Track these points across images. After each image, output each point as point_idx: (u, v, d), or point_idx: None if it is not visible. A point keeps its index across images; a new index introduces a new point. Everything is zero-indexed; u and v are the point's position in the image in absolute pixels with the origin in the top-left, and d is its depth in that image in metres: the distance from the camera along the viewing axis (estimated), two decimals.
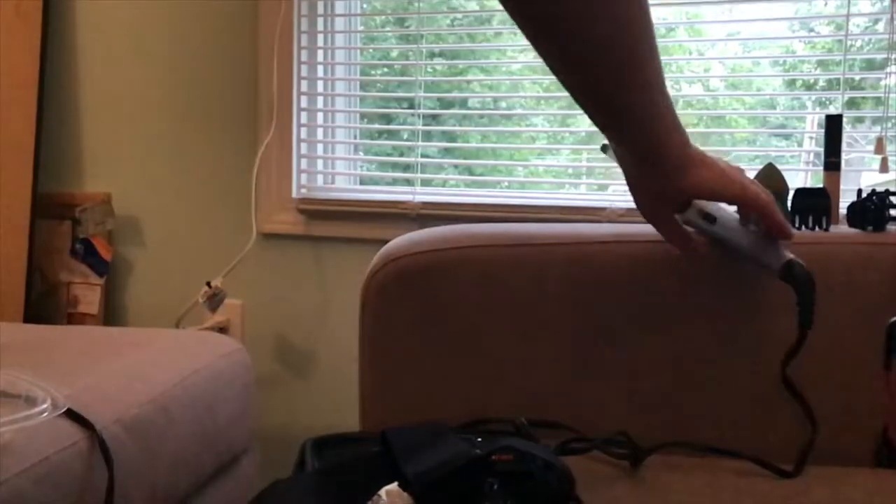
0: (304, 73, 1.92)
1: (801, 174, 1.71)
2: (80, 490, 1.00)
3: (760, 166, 1.17)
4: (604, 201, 1.70)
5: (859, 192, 1.17)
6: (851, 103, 1.68)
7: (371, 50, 2.11)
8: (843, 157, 1.32)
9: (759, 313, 1.03)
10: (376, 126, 2.06)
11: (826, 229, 1.13)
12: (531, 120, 2.04)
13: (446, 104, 2.01)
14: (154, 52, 2.00)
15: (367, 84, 2.05)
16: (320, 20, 1.94)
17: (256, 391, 1.49)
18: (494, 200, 1.83)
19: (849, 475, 0.93)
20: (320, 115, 1.96)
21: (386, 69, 2.10)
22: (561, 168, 1.99)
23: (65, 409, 0.97)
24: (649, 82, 0.83)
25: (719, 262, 1.04)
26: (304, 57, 1.92)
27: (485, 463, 0.70)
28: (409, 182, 1.90)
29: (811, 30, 1.89)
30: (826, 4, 1.73)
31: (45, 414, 0.93)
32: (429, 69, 1.95)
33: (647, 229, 1.01)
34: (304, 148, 1.94)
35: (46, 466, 0.95)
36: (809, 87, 1.93)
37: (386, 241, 1.14)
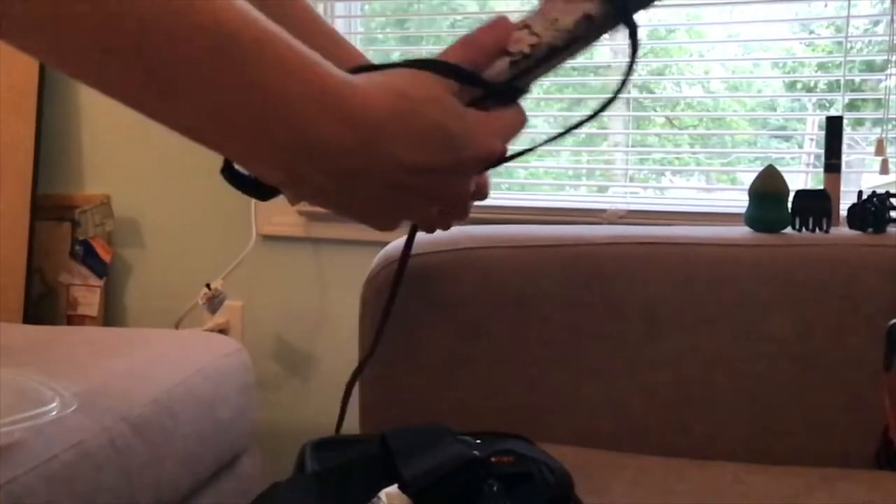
0: None
1: (802, 176, 1.71)
2: (89, 488, 1.00)
3: (761, 168, 1.17)
4: (604, 203, 1.70)
5: (860, 193, 1.17)
6: (852, 105, 1.68)
7: (371, 52, 2.11)
8: (844, 158, 1.32)
9: (757, 313, 1.03)
10: None
11: (826, 231, 1.13)
12: (531, 121, 2.03)
13: None
14: None
15: None
16: None
17: (256, 392, 1.50)
18: (494, 202, 1.82)
19: (849, 476, 0.93)
20: None
21: None
22: (561, 170, 1.99)
23: (73, 407, 0.97)
24: None
25: (720, 263, 1.04)
26: None
27: (484, 465, 0.70)
28: None
29: (811, 31, 1.89)
30: (826, 6, 1.73)
31: (55, 413, 0.93)
32: None
33: (646, 231, 1.01)
34: None
35: (56, 465, 0.96)
36: (810, 89, 1.93)
37: (386, 244, 1.14)
